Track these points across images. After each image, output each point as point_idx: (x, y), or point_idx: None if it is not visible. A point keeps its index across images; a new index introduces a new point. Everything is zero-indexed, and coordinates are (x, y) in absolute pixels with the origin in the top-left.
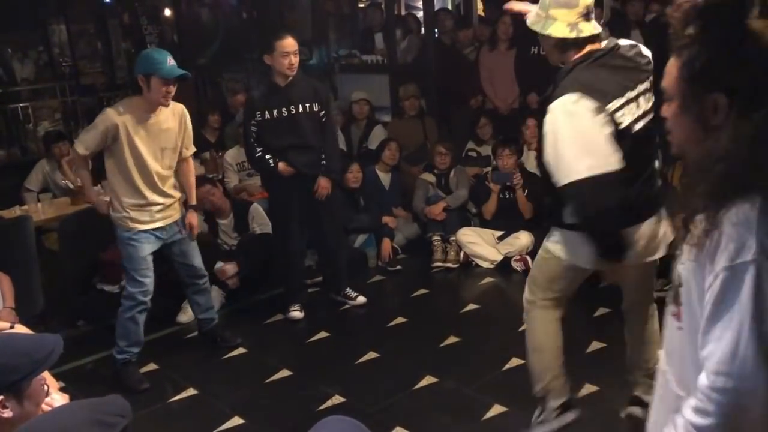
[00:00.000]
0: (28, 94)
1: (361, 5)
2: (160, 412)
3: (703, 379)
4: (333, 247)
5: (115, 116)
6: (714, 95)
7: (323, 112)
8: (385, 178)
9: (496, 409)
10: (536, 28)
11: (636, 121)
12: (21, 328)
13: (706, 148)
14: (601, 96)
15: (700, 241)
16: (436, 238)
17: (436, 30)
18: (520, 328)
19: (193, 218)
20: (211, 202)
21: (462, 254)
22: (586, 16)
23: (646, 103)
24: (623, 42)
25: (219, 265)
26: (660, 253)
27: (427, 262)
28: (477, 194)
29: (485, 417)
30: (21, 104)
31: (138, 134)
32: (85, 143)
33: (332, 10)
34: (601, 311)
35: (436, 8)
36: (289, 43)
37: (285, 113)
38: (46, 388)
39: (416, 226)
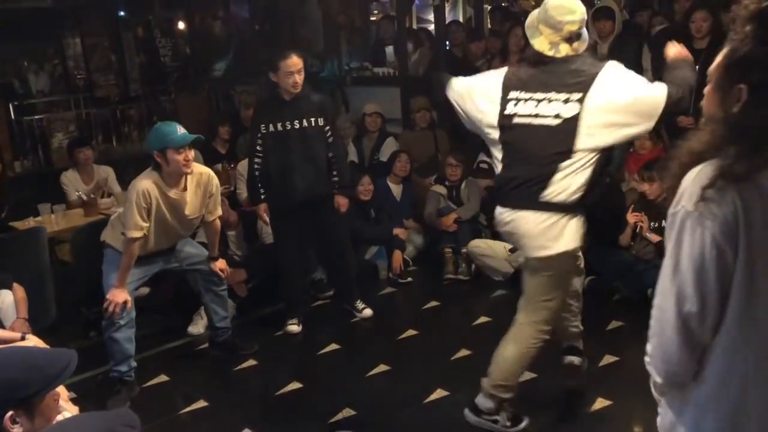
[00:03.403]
0: (42, 106)
1: (373, 18)
2: (171, 424)
3: None
4: (340, 257)
5: (144, 184)
6: (740, 86)
7: (328, 127)
8: (396, 189)
9: None
10: (528, 33)
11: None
12: (33, 339)
13: (716, 123)
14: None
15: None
16: (447, 250)
17: (447, 42)
18: None
19: (220, 264)
20: None
21: (473, 266)
22: (569, 40)
23: (545, 110)
24: (582, 59)
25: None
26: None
27: (439, 274)
28: (489, 207)
29: None
30: (36, 116)
31: (162, 206)
32: (134, 225)
33: (344, 22)
34: (614, 324)
35: (447, 21)
36: (294, 62)
37: (289, 126)
38: (58, 403)
39: (428, 237)
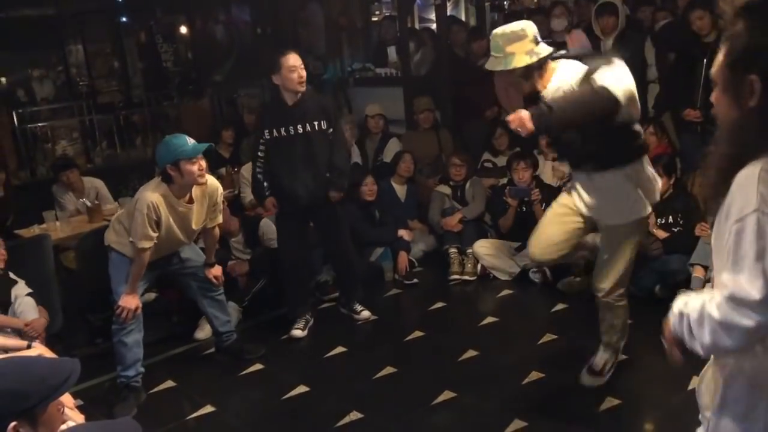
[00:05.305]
0: (46, 113)
1: (375, 19)
2: (178, 430)
3: (720, 293)
4: (342, 258)
5: (153, 197)
6: (750, 77)
7: (331, 130)
8: (400, 190)
9: (517, 424)
10: (499, 68)
11: None
12: (39, 347)
13: (738, 122)
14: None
15: (717, 200)
16: (452, 250)
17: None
18: (540, 341)
19: (216, 271)
20: None
21: (479, 266)
22: (536, 42)
23: None
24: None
25: (231, 262)
26: None
27: (444, 274)
28: (494, 206)
29: None
30: (40, 124)
31: (170, 219)
32: (144, 235)
33: (346, 24)
34: None
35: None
36: (294, 58)
37: (293, 132)
38: (62, 412)
39: (433, 238)
